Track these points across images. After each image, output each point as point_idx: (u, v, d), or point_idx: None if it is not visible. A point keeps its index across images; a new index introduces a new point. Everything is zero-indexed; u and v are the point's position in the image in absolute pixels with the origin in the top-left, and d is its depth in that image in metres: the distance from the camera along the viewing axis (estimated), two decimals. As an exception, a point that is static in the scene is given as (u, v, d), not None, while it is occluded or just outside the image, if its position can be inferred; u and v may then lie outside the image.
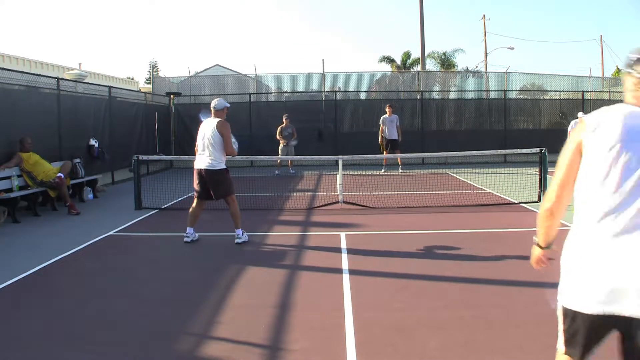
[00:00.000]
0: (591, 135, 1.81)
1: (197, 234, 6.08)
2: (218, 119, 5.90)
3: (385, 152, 13.23)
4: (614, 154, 1.75)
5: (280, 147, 13.50)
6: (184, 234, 6.02)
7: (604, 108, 1.85)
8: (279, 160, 13.59)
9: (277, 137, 13.59)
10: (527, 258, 5.58)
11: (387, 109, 13.49)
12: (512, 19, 73.00)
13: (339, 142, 15.77)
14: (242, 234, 5.97)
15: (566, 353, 1.96)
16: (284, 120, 13.69)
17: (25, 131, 8.28)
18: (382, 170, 13.67)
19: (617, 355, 1.86)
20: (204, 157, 5.80)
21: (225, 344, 3.31)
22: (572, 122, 14.36)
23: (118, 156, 11.99)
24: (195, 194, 5.97)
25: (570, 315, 1.88)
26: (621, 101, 1.94)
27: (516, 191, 9.07)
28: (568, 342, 1.93)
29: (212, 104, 6.05)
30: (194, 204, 6.02)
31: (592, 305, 1.78)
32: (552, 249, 2.24)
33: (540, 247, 2.27)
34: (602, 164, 1.78)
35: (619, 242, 1.74)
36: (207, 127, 5.86)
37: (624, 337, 1.81)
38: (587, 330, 1.84)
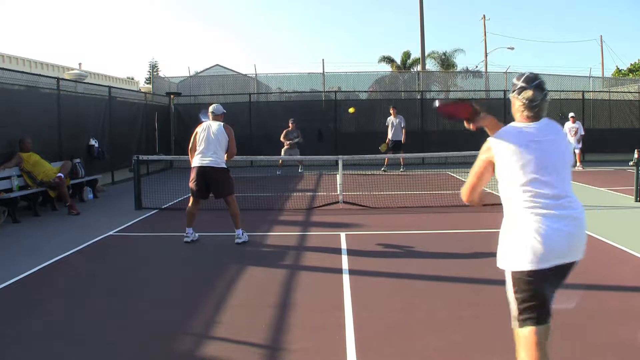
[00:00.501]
0: (512, 148, 2.39)
1: (196, 234, 6.09)
2: (221, 122, 6.00)
3: (389, 152, 13.46)
4: (526, 161, 2.36)
5: (283, 149, 13.53)
6: (184, 234, 6.03)
7: (505, 128, 2.48)
8: (280, 161, 13.61)
9: (282, 139, 13.63)
10: (527, 258, 5.52)
11: (391, 111, 13.70)
12: (512, 19, 73.01)
13: (339, 142, 15.77)
14: (242, 234, 5.97)
15: (522, 323, 2.28)
16: (290, 124, 13.73)
17: (25, 131, 8.28)
18: (383, 169, 13.78)
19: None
20: (208, 155, 5.80)
21: (225, 344, 3.31)
22: (566, 124, 14.54)
23: (118, 156, 11.99)
24: (192, 193, 5.99)
25: (524, 279, 2.27)
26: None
27: (516, 191, 9.07)
28: (522, 310, 2.27)
29: (211, 109, 6.16)
30: (190, 204, 6.04)
31: (543, 262, 2.23)
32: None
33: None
34: (519, 170, 2.39)
35: (545, 221, 2.28)
36: (213, 128, 5.90)
37: (555, 279, 2.34)
38: (538, 287, 2.25)
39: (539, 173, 2.34)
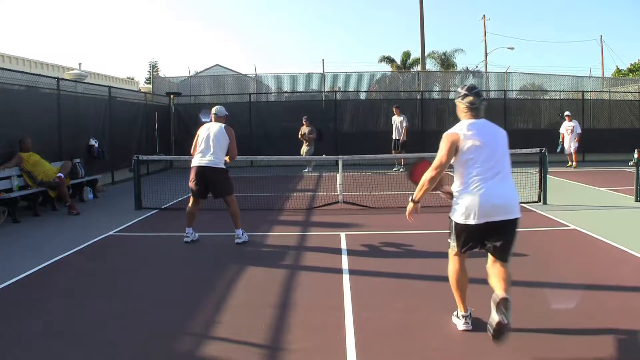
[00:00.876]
0: (461, 138, 3.26)
1: (196, 234, 6.09)
2: (222, 124, 6.02)
3: (393, 151, 13.62)
4: (472, 148, 3.26)
5: (303, 148, 14.08)
6: (184, 234, 6.03)
7: (460, 124, 3.35)
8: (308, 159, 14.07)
9: (300, 137, 14.18)
10: (527, 258, 5.58)
11: (394, 110, 13.83)
12: (512, 19, 73.00)
13: (339, 142, 15.77)
14: (242, 234, 5.98)
15: (456, 255, 3.45)
16: (303, 122, 14.21)
17: (25, 131, 8.29)
18: (394, 169, 13.87)
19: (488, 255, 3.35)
20: (207, 155, 5.84)
21: (225, 344, 3.31)
22: (564, 124, 14.50)
23: (118, 156, 11.99)
24: (191, 193, 6.00)
25: (461, 227, 3.30)
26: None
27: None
28: (457, 241, 3.37)
29: (214, 111, 6.18)
30: (190, 204, 6.05)
31: (479, 217, 3.20)
32: (419, 205, 3.54)
33: (415, 202, 3.51)
34: (466, 154, 3.27)
35: (482, 186, 3.20)
36: (214, 129, 5.94)
37: (488, 237, 3.25)
38: (469, 233, 3.28)
39: (481, 154, 3.23)
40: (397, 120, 13.70)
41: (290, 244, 6.00)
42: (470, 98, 3.31)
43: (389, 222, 7.12)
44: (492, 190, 3.19)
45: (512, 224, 3.23)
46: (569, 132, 14.29)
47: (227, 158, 6.00)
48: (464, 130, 3.27)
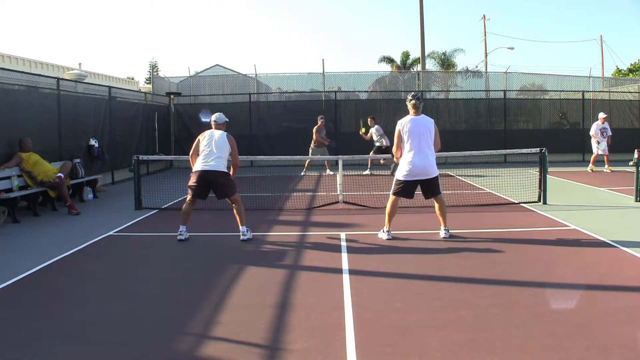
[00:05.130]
0: (401, 127, 5.75)
1: (187, 234, 6.20)
2: (224, 131, 6.15)
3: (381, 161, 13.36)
4: (406, 135, 5.73)
5: (311, 149, 13.08)
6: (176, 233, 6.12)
7: (406, 117, 5.84)
8: (308, 161, 13.34)
9: (315, 137, 13.05)
10: (527, 258, 5.59)
11: (370, 121, 13.30)
12: (512, 19, 73.00)
13: (339, 142, 15.76)
14: (247, 231, 6.06)
15: (394, 195, 5.88)
16: (319, 121, 13.21)
17: (25, 131, 8.29)
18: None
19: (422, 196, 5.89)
20: (210, 160, 5.93)
21: (225, 344, 3.31)
22: (596, 124, 13.50)
23: (118, 156, 11.99)
24: (190, 192, 6.04)
25: (402, 182, 5.76)
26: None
27: (516, 191, 9.07)
28: (397, 192, 5.83)
29: (213, 118, 6.26)
30: (187, 203, 6.10)
31: (409, 177, 5.73)
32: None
33: (397, 158, 5.98)
34: (405, 137, 5.72)
35: (412, 158, 5.68)
36: (216, 136, 6.06)
37: (422, 188, 5.86)
38: (407, 186, 5.78)
39: (415, 138, 5.67)
40: (372, 130, 13.10)
41: (290, 243, 6.00)
42: (414, 101, 5.74)
43: (389, 222, 7.12)
44: (416, 159, 5.63)
45: (432, 180, 5.75)
46: (602, 134, 13.18)
47: (231, 171, 6.19)
48: (403, 123, 5.75)
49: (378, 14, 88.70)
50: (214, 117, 6.26)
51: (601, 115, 13.50)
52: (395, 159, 5.91)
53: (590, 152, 13.82)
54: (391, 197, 5.87)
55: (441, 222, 6.07)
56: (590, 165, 13.47)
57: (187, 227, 6.14)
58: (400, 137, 5.71)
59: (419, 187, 5.87)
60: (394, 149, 5.82)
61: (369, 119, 13.43)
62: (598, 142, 13.26)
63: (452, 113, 17.33)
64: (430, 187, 5.79)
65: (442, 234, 6.06)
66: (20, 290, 4.46)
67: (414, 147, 5.62)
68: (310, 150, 13.21)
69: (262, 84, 18.64)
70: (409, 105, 5.76)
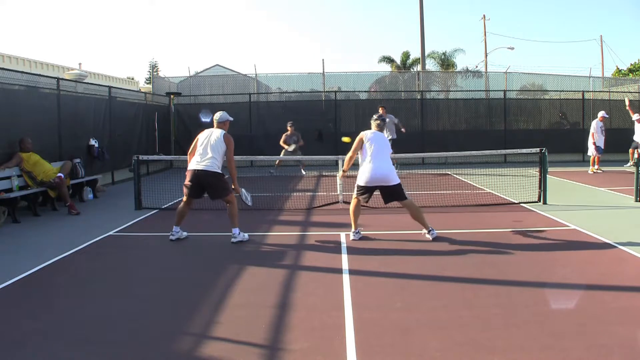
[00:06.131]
0: (365, 137, 6.07)
1: (184, 232, 6.21)
2: (223, 130, 6.07)
3: None
4: (369, 145, 6.01)
5: (283, 152, 13.44)
6: (176, 233, 6.13)
7: (369, 131, 6.21)
8: (277, 160, 13.55)
9: (281, 144, 13.51)
10: (527, 258, 5.58)
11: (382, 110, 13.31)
12: (512, 19, 73.00)
13: (339, 142, 15.73)
14: (239, 233, 5.99)
15: (357, 197, 6.11)
16: (288, 128, 13.57)
17: (25, 131, 8.28)
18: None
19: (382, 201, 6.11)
20: (204, 160, 5.88)
21: (225, 344, 3.31)
22: (595, 122, 13.44)
23: (118, 156, 11.99)
24: (186, 192, 6.03)
25: (363, 187, 5.99)
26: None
27: (516, 191, 9.07)
28: (360, 194, 6.08)
29: (215, 116, 6.22)
30: (182, 203, 6.10)
31: (369, 183, 5.95)
32: (347, 174, 6.51)
33: (344, 171, 6.43)
34: (367, 144, 6.01)
35: (372, 166, 5.92)
36: (212, 135, 6.00)
37: (382, 193, 6.05)
38: (367, 191, 6.00)
39: (377, 147, 5.99)
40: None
41: (290, 244, 6.00)
42: (378, 121, 6.24)
43: (388, 222, 7.12)
44: (376, 167, 5.88)
45: (392, 187, 5.95)
46: (602, 132, 13.01)
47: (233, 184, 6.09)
48: (367, 135, 6.07)
49: (378, 14, 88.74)
50: (216, 115, 6.22)
51: (601, 113, 13.43)
52: (342, 172, 6.59)
53: (587, 151, 13.75)
54: (353, 200, 6.16)
55: (422, 226, 6.07)
56: (591, 167, 13.43)
57: (186, 227, 6.13)
58: (360, 144, 6.00)
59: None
60: (348, 155, 6.13)
61: (380, 108, 13.16)
62: (594, 143, 13.08)
63: (452, 113, 17.32)
64: (392, 194, 5.99)
65: (427, 236, 6.02)
66: (20, 291, 4.46)
67: (376, 155, 5.91)
68: (281, 153, 13.42)
69: (262, 84, 18.63)
70: (374, 124, 6.22)
